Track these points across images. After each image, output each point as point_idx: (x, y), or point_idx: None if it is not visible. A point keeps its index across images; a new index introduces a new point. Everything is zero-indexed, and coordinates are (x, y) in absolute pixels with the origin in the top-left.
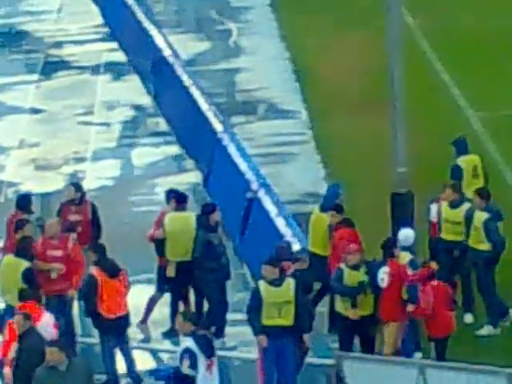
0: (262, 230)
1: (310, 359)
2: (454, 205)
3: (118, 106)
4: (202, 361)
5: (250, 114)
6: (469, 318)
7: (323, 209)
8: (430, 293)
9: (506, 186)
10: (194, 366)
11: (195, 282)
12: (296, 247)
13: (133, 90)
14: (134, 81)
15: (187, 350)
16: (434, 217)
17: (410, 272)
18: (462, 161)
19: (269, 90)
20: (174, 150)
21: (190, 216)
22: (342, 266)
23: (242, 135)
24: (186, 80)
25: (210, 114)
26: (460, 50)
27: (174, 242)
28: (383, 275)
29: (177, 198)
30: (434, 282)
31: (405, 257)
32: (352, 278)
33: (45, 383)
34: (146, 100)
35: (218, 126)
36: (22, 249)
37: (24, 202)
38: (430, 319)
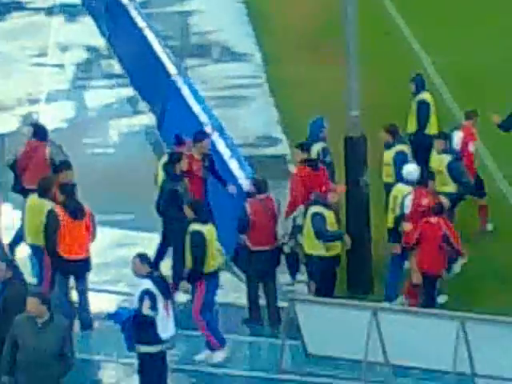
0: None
1: (262, 301)
2: (387, 146)
3: (72, 47)
4: (160, 302)
5: (203, 57)
6: None
7: (312, 140)
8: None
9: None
10: (154, 307)
11: (162, 230)
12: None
13: (87, 32)
14: (87, 22)
15: (147, 292)
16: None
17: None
18: (426, 96)
19: (223, 32)
20: (128, 92)
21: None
22: (319, 208)
23: (195, 78)
24: (140, 22)
25: (163, 57)
26: None
27: None
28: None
29: None
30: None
31: (404, 190)
32: (330, 217)
33: (21, 332)
34: (99, 42)
35: (171, 69)
36: (45, 189)
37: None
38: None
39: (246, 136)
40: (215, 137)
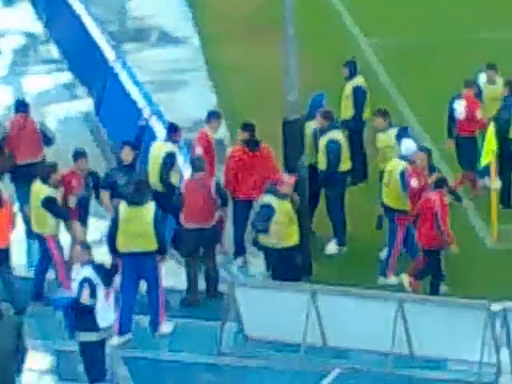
0: None
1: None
2: (321, 132)
3: (9, 33)
4: (100, 290)
5: (141, 41)
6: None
7: (308, 117)
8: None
9: (397, 112)
10: (93, 294)
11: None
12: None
13: (24, 17)
14: (25, 8)
15: (86, 279)
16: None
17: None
18: (361, 81)
19: (160, 16)
20: (66, 77)
21: None
22: (269, 198)
23: (133, 62)
24: (78, 7)
25: (101, 42)
26: None
27: None
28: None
29: None
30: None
31: (399, 164)
32: (283, 207)
33: None
34: (37, 27)
35: (109, 54)
36: (44, 175)
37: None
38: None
39: (184, 120)
40: (153, 121)
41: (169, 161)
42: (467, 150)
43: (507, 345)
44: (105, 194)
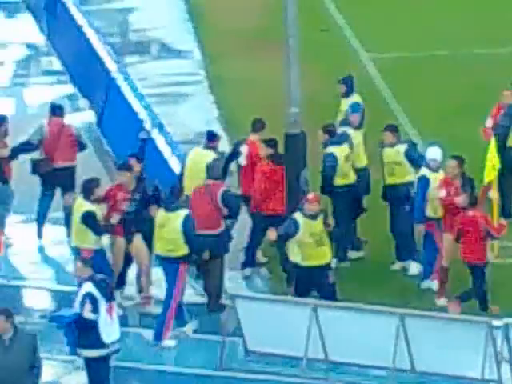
0: (156, 169)
1: (203, 298)
2: (324, 145)
3: (12, 44)
4: (102, 305)
5: (143, 54)
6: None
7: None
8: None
9: (399, 126)
10: (95, 310)
11: None
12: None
13: (26, 29)
14: (27, 19)
15: (88, 295)
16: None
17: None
18: (358, 99)
19: (162, 29)
20: (68, 89)
21: None
22: (298, 215)
23: (135, 75)
24: (80, 19)
25: (103, 54)
26: None
27: None
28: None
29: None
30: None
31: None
32: (309, 227)
33: None
34: (39, 39)
35: (111, 66)
36: (87, 190)
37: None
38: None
39: (185, 133)
40: (155, 134)
41: (213, 168)
42: None
43: (509, 361)
44: (153, 208)
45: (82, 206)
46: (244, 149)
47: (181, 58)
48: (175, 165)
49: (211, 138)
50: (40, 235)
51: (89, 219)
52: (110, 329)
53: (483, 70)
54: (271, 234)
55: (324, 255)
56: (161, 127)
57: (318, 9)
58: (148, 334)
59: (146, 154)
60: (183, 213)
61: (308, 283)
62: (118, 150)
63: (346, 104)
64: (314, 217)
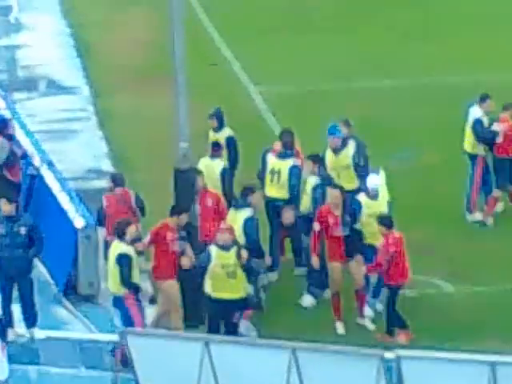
0: (44, 205)
1: (94, 335)
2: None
3: None
4: None
5: (31, 91)
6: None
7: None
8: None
9: None
10: None
11: None
12: (80, 223)
13: None
14: None
15: None
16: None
17: None
18: (231, 132)
19: (50, 66)
20: None
21: None
22: (212, 246)
23: (23, 111)
24: None
25: None
26: (240, 26)
27: None
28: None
29: None
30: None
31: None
32: (221, 258)
33: None
34: None
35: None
36: (119, 231)
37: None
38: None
39: (74, 169)
40: (44, 170)
41: (226, 175)
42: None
43: None
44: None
45: (116, 248)
46: None
47: (69, 94)
48: (65, 201)
49: (216, 146)
50: None
51: (122, 261)
52: (0, 367)
53: (372, 103)
54: (184, 261)
55: (236, 289)
56: (50, 163)
57: (207, 44)
58: (34, 370)
59: (35, 190)
60: (246, 212)
61: (218, 316)
62: None
63: (221, 137)
64: (226, 248)
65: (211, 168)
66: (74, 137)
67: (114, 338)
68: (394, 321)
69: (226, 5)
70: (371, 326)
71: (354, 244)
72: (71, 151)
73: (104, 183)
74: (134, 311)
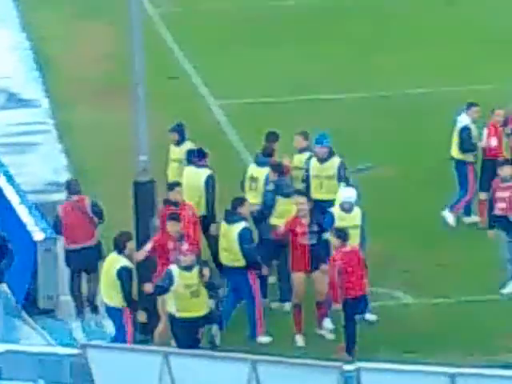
0: (4, 218)
1: (53, 349)
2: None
3: None
4: None
5: None
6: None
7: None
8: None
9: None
10: None
11: None
12: (39, 236)
13: None
14: None
15: None
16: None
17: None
18: (192, 145)
19: (9, 79)
20: None
21: None
22: (173, 267)
23: None
24: None
25: None
26: (200, 39)
27: None
28: None
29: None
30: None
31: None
32: (184, 279)
33: None
34: None
35: None
36: (120, 245)
37: None
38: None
39: (34, 182)
40: (3, 183)
41: (210, 183)
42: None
43: None
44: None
45: (117, 261)
46: None
47: (28, 107)
48: (24, 214)
49: (201, 155)
50: None
51: (124, 274)
52: None
53: (332, 115)
54: (147, 287)
55: (200, 306)
56: (9, 177)
57: (167, 57)
58: None
59: None
60: (241, 225)
61: (183, 334)
62: None
63: (177, 152)
64: (188, 268)
65: (197, 176)
66: (34, 150)
67: (74, 351)
68: (350, 335)
69: (185, 18)
70: (330, 336)
71: (320, 254)
72: (31, 164)
73: (63, 196)
74: (129, 325)
